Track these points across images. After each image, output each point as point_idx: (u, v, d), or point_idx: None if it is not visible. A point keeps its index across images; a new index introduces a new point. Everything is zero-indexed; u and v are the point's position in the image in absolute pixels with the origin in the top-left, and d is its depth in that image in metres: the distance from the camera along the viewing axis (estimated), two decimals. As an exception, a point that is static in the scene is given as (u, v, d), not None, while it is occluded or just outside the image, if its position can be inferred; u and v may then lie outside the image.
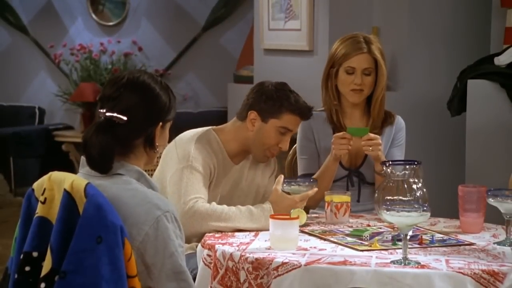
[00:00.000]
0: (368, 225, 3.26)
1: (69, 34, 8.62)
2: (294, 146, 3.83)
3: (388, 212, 2.67)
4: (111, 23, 8.58)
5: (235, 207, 3.20)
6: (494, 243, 2.99)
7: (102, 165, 2.39)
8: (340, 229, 3.16)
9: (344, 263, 2.67)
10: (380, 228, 3.18)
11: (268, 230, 3.11)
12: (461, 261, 2.72)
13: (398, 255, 2.77)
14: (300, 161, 3.69)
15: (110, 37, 8.48)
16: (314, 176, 3.50)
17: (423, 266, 2.65)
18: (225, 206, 3.21)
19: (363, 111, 3.68)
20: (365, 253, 2.82)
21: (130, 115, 2.40)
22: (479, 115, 4.41)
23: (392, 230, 3.12)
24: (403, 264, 2.66)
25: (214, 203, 3.23)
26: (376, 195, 3.31)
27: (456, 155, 4.88)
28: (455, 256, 2.79)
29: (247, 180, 3.47)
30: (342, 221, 3.29)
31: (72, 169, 7.42)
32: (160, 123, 2.46)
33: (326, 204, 3.32)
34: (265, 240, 2.98)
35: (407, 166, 3.27)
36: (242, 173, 3.46)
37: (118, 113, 2.39)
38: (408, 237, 2.71)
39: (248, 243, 2.95)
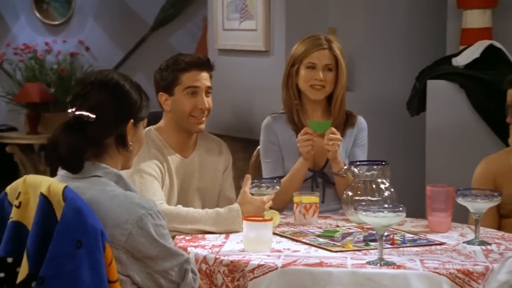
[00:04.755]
0: (337, 226, 3.26)
1: (12, 33, 8.46)
2: (258, 147, 3.81)
3: (364, 213, 2.67)
4: (56, 22, 8.45)
5: (204, 210, 3.18)
6: (463, 242, 3.01)
7: (72, 165, 2.35)
8: (310, 230, 3.16)
9: (321, 264, 2.66)
10: (350, 228, 3.18)
11: (236, 232, 3.11)
12: (435, 261, 2.74)
13: (372, 255, 2.78)
14: (265, 164, 3.67)
15: (56, 37, 8.35)
16: (284, 179, 3.49)
17: (399, 267, 2.66)
18: (190, 208, 3.21)
19: (324, 110, 3.68)
20: (339, 254, 2.82)
21: (99, 113, 2.36)
22: (439, 115, 4.45)
23: (362, 230, 3.13)
24: (379, 264, 2.67)
25: (179, 206, 3.21)
26: (344, 195, 3.35)
27: (416, 155, 4.92)
28: (428, 256, 2.80)
29: (200, 173, 3.47)
30: (311, 222, 3.28)
31: (17, 171, 7.29)
32: (131, 121, 2.42)
33: (295, 205, 3.31)
34: (237, 242, 2.96)
35: (375, 166, 3.30)
36: (193, 167, 3.45)
37: (86, 111, 2.35)
38: (385, 238, 2.72)
39: (220, 245, 2.93)
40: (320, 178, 3.63)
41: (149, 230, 2.29)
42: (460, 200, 3.03)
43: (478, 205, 3.00)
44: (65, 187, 2.23)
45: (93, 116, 2.34)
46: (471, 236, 3.09)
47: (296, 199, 3.31)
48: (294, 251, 2.85)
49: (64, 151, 2.32)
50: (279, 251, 2.84)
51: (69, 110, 2.37)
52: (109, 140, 2.39)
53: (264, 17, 5.16)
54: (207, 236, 3.09)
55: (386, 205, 2.75)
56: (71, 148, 2.32)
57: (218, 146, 3.58)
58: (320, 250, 2.86)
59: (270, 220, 2.88)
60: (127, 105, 2.40)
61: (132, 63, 8.14)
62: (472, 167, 3.60)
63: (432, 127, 4.47)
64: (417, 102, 4.47)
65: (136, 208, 2.30)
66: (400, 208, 2.69)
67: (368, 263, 2.68)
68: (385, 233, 2.99)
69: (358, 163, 3.35)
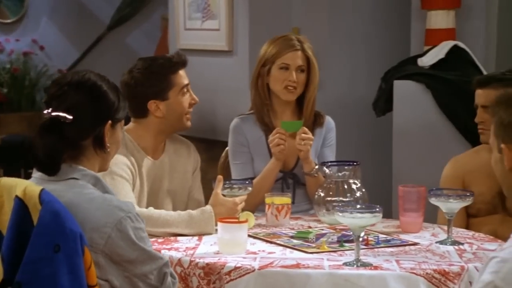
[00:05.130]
0: (310, 227, 3.24)
1: (-39, 31, 8.32)
2: (227, 148, 3.78)
3: (341, 214, 2.65)
4: (8, 21, 8.32)
5: (176, 212, 3.15)
6: (436, 242, 3.01)
7: (49, 167, 2.30)
8: (283, 232, 3.14)
9: (298, 266, 2.65)
10: (323, 229, 3.17)
11: (209, 234, 3.08)
12: (411, 261, 2.74)
13: (348, 256, 2.77)
14: (234, 166, 3.64)
15: (8, 36, 8.22)
16: (255, 180, 3.47)
17: (376, 267, 2.65)
18: (162, 210, 3.17)
19: (293, 110, 3.66)
20: (315, 255, 2.80)
21: (76, 114, 2.31)
22: (406, 115, 4.46)
23: (334, 231, 3.12)
24: (356, 265, 2.66)
25: (151, 208, 3.17)
26: (316, 196, 3.33)
27: (383, 155, 4.93)
28: (404, 257, 2.80)
29: (169, 175, 3.43)
30: (283, 223, 3.26)
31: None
32: (109, 122, 2.37)
33: (267, 206, 3.28)
34: (211, 245, 2.93)
35: (346, 167, 3.29)
36: (163, 169, 3.42)
37: (63, 112, 2.30)
38: (361, 239, 2.71)
39: (194, 247, 2.90)
40: (291, 179, 3.61)
41: (128, 233, 2.24)
42: (433, 200, 3.04)
43: (451, 205, 3.01)
44: (42, 190, 2.17)
45: (70, 117, 2.29)
46: (443, 236, 3.10)
47: (268, 200, 3.29)
48: (270, 253, 2.82)
49: (41, 153, 2.27)
50: (254, 253, 2.82)
51: (45, 111, 2.31)
52: (86, 142, 2.34)
53: (227, 16, 5.13)
54: (179, 238, 3.05)
55: (363, 206, 2.74)
56: (48, 150, 2.27)
57: (187, 147, 3.55)
58: (295, 252, 2.84)
59: (245, 221, 2.86)
60: (105, 106, 2.36)
61: (88, 63, 8.04)
62: (438, 167, 3.61)
63: (399, 127, 4.48)
64: (383, 103, 4.48)
65: (115, 211, 2.25)
66: (377, 209, 2.69)
67: (345, 264, 2.67)
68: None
69: (329, 163, 3.34)
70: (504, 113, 2.07)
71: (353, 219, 2.66)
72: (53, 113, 2.29)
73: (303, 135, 3.47)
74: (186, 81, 3.39)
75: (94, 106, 2.34)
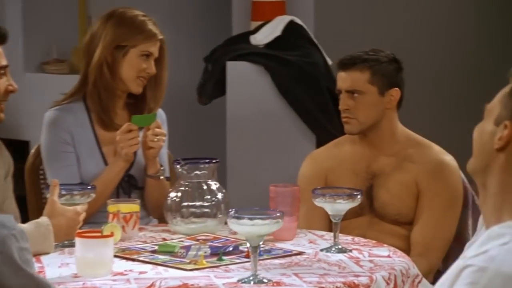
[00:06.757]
0: (164, 239, 2.69)
1: None
2: (37, 146, 3.13)
3: (239, 221, 2.15)
4: None
5: None
6: (321, 250, 2.59)
7: None
8: (139, 246, 2.57)
9: (186, 286, 2.14)
10: (183, 241, 2.64)
11: (46, 253, 2.45)
12: (311, 273, 2.33)
13: (237, 272, 2.29)
14: (55, 171, 2.97)
15: None
16: (94, 183, 2.85)
17: (278, 283, 2.20)
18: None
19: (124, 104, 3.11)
20: (197, 272, 2.29)
21: None
22: (241, 101, 3.97)
23: (197, 242, 2.60)
24: (253, 282, 2.19)
25: None
26: (168, 201, 2.81)
27: (216, 147, 4.39)
28: (299, 269, 2.38)
29: None
30: (132, 235, 2.69)
31: None
32: None
33: (111, 216, 2.69)
34: (59, 266, 2.33)
35: (205, 165, 2.80)
36: None
37: None
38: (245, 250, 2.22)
39: (39, 271, 2.26)
40: (126, 181, 3.03)
41: (12, 256, 1.62)
42: (318, 201, 2.61)
43: (339, 206, 2.61)
44: None
45: None
46: (321, 242, 2.70)
47: (112, 208, 2.70)
48: (141, 273, 2.28)
49: None
50: (122, 273, 2.26)
51: None
52: None
53: None
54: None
55: (260, 211, 2.26)
56: None
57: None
58: (171, 270, 2.31)
59: (111, 235, 2.27)
60: None
61: None
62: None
63: (233, 115, 3.98)
64: (211, 87, 3.96)
65: None
66: (278, 214, 2.22)
67: (240, 281, 2.19)
68: (226, 245, 2.54)
69: (182, 161, 2.81)
70: None
71: (252, 227, 2.17)
72: None
73: (156, 130, 2.92)
74: (4, 62, 2.71)
75: None
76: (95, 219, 2.87)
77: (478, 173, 1.71)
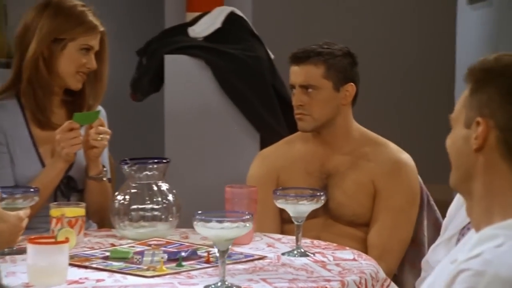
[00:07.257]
0: (113, 245, 2.50)
1: None
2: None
3: (207, 224, 1.98)
4: None
5: None
6: (282, 254, 2.44)
7: None
8: (88, 252, 2.37)
9: (152, 295, 1.94)
10: (134, 246, 2.45)
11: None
12: (280, 279, 2.18)
13: (200, 278, 2.15)
14: None
15: None
16: (32, 185, 2.63)
17: (250, 291, 2.03)
18: None
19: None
20: (159, 279, 2.12)
21: None
22: (180, 97, 3.77)
23: (150, 247, 2.42)
24: (222, 289, 2.01)
25: None
26: (116, 204, 2.61)
27: (155, 146, 4.17)
28: (266, 274, 2.22)
29: None
30: (78, 241, 2.48)
31: None
32: None
33: (54, 220, 2.48)
34: (5, 275, 2.10)
35: (154, 166, 2.63)
36: None
37: None
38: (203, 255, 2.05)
39: (-16, 281, 2.04)
40: (66, 184, 2.82)
41: None
42: (280, 203, 2.46)
43: (302, 208, 2.46)
44: None
45: None
46: (280, 246, 2.55)
47: (55, 212, 2.49)
48: (99, 281, 2.09)
49: None
50: (77, 282, 2.07)
51: None
52: None
53: None
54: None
55: (227, 214, 2.11)
56: None
57: None
58: (130, 277, 2.13)
59: (66, 241, 2.07)
60: None
61: None
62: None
63: (172, 113, 3.77)
64: (147, 82, 3.76)
65: None
66: (247, 216, 2.06)
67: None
68: (182, 250, 2.38)
69: (129, 161, 2.62)
70: (506, 81, 1.59)
71: (222, 230, 2.01)
72: None
73: (100, 128, 2.73)
74: None
75: None
76: (31, 225, 2.65)
77: (461, 183, 1.67)
